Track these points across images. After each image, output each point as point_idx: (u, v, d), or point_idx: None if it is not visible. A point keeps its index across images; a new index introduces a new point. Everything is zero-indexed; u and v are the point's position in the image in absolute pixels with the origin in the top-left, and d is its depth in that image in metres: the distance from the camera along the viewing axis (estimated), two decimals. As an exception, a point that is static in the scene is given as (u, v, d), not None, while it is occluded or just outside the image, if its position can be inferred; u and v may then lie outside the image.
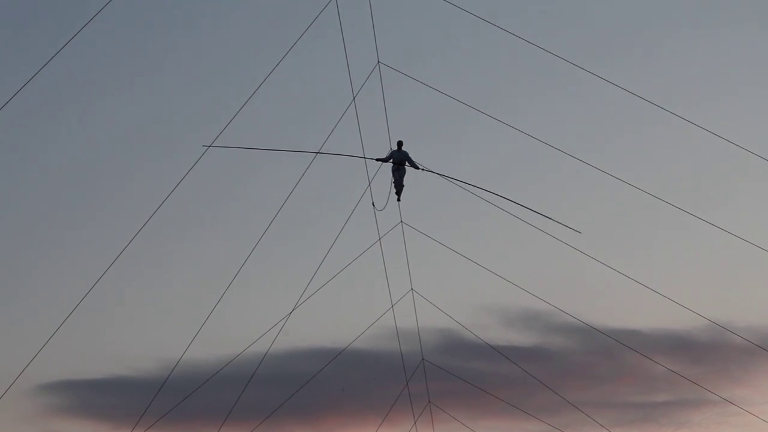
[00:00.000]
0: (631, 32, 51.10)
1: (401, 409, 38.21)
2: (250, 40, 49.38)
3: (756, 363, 39.91)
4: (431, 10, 43.11)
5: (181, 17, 50.33)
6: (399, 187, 30.00)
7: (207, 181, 40.08)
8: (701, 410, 42.88)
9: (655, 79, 48.43)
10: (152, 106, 50.39)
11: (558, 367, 42.91)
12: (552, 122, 47.52)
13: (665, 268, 47.52)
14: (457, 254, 32.04)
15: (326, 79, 45.19)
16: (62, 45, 22.60)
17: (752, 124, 48.64)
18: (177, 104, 50.70)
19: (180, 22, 50.73)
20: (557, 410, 36.80)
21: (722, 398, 33.54)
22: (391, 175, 30.01)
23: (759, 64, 50.02)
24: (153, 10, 49.02)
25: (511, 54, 48.12)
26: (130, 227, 25.86)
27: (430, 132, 46.79)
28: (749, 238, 28.35)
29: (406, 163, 29.88)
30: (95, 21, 22.88)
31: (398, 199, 30.23)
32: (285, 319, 30.99)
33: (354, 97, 28.27)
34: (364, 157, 29.44)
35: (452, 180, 29.26)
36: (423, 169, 29.73)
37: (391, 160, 29.84)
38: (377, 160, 29.76)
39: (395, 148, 29.89)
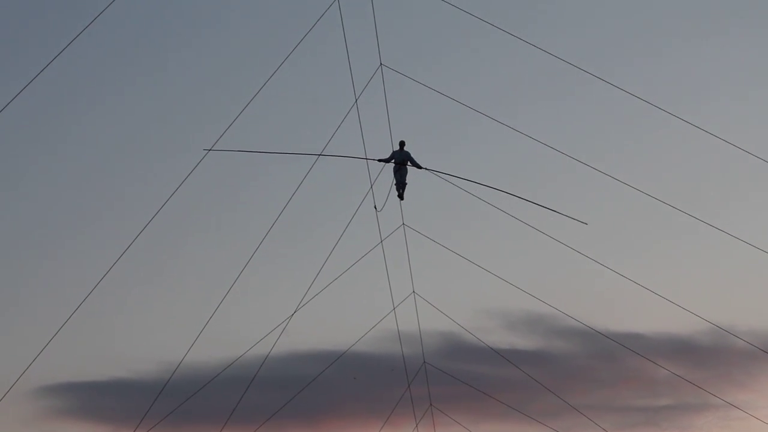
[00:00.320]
0: (635, 35, 51.16)
1: (403, 412, 38.14)
2: (252, 42, 49.40)
3: (759, 367, 39.79)
4: (433, 13, 43.07)
5: (183, 20, 50.36)
6: (401, 185, 29.95)
7: (208, 184, 40.15)
8: (704, 414, 42.84)
9: (657, 81, 48.45)
10: (153, 109, 50.45)
11: (560, 370, 42.88)
12: (554, 125, 47.50)
13: (668, 271, 47.52)
14: (459, 257, 32.00)
15: (328, 81, 45.26)
16: (63, 47, 22.60)
17: (757, 128, 48.60)
18: (178, 107, 50.74)
19: (181, 25, 50.77)
20: (559, 414, 36.75)
21: (725, 402, 33.42)
22: (392, 176, 30.00)
23: (764, 68, 50.03)
24: (154, 13, 49.07)
25: (513, 56, 48.30)
26: (132, 230, 25.88)
27: (433, 134, 46.84)
28: (753, 241, 28.33)
29: (408, 163, 29.85)
30: (96, 24, 22.88)
31: (401, 198, 30.20)
32: (286, 322, 30.96)
33: (356, 100, 28.23)
34: (366, 158, 29.39)
35: (454, 178, 29.17)
36: (425, 169, 29.68)
37: (393, 161, 29.80)
38: (379, 161, 29.71)
39: (397, 148, 29.85)
